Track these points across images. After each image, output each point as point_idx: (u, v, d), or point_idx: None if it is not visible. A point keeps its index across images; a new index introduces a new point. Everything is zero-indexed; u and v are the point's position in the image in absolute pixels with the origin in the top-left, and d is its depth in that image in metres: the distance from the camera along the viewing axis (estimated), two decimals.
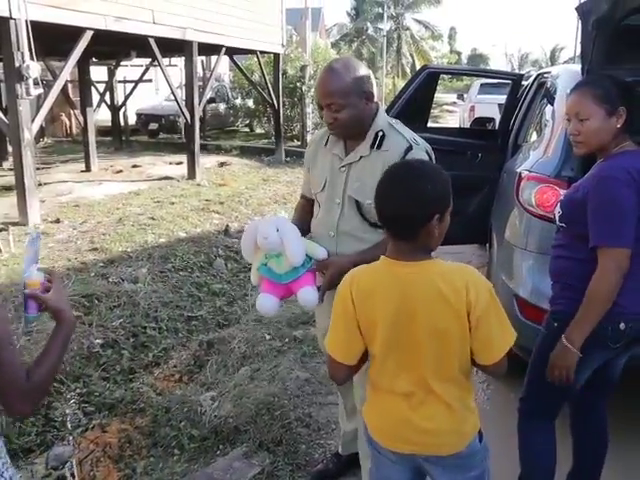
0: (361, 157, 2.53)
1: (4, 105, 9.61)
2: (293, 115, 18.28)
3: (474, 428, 1.95)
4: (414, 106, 5.46)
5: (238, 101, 21.34)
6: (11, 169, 9.72)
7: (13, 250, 7.18)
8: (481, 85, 17.74)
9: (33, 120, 8.40)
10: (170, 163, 14.16)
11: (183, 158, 12.84)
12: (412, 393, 1.88)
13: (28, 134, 8.23)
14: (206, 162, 13.54)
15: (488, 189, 5.09)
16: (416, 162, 1.97)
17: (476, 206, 5.22)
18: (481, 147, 5.55)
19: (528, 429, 2.75)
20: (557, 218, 2.59)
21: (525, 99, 5.67)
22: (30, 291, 1.76)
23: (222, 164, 14.08)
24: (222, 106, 21.51)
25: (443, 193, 1.83)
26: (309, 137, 17.14)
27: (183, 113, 12.06)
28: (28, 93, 8.11)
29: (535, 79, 5.64)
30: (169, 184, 11.67)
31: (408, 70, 44.03)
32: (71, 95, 14.48)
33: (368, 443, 2.05)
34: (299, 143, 17.25)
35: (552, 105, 4.19)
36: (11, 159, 9.82)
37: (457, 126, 16.85)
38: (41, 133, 17.07)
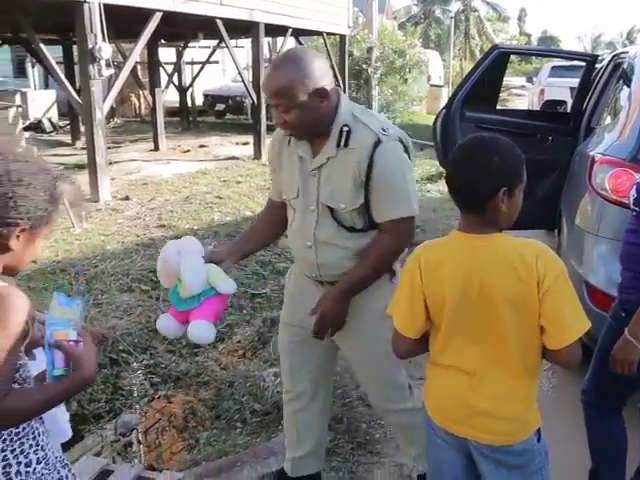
0: (329, 158, 2.27)
1: (77, 86, 9.87)
2: (359, 97, 18.15)
3: (534, 422, 1.89)
4: (483, 88, 5.36)
5: None
6: (84, 148, 10.00)
7: (85, 225, 7.42)
8: (552, 68, 17.24)
9: (104, 100, 8.61)
10: (236, 143, 14.32)
11: (249, 139, 12.95)
12: (475, 371, 1.85)
13: (100, 114, 8.44)
14: None
15: (558, 173, 4.97)
16: (489, 136, 1.90)
17: (545, 190, 5.10)
18: (552, 130, 5.41)
19: (596, 421, 2.66)
20: (631, 202, 2.50)
21: (600, 81, 5.49)
22: (56, 340, 1.57)
23: None
24: None
25: (512, 168, 1.80)
26: None
27: (250, 94, 12.15)
28: (100, 74, 8.32)
29: (611, 60, 5.46)
30: (235, 164, 11.80)
31: (477, 52, 43.11)
32: (140, 76, 14.79)
33: (426, 424, 2.03)
34: None
35: (629, 87, 4.06)
36: (84, 138, 10.10)
37: (526, 108, 16.45)
38: (111, 113, 17.47)
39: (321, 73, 2.17)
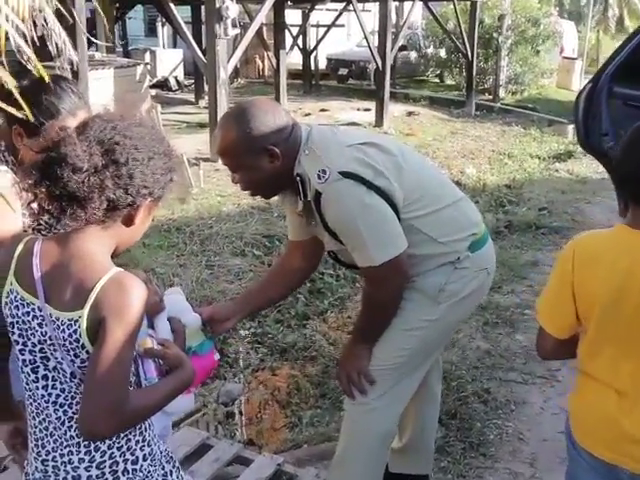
0: (302, 211, 2.09)
1: (204, 46, 9.94)
2: (486, 67, 17.41)
3: None
4: (633, 66, 4.82)
5: (430, 50, 20.74)
6: (206, 107, 10.08)
7: (202, 185, 7.47)
8: None
9: (229, 60, 8.62)
10: (358, 109, 14.07)
11: (371, 105, 12.69)
12: (627, 391, 1.58)
13: (223, 73, 8.44)
14: (394, 110, 13.31)
15: None
16: None
17: None
18: None
19: None
20: None
21: None
22: (145, 349, 1.49)
23: (410, 113, 13.77)
24: (413, 54, 21.01)
25: None
26: (501, 91, 16.30)
27: (374, 59, 11.87)
28: (226, 33, 8.31)
29: None
30: (356, 130, 11.59)
31: (612, 25, 40.43)
32: (265, 38, 14.77)
33: (567, 437, 1.77)
34: (491, 97, 16.47)
35: None
36: (207, 97, 10.17)
37: None
38: (235, 74, 17.64)
39: (268, 130, 1.95)
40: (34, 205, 1.33)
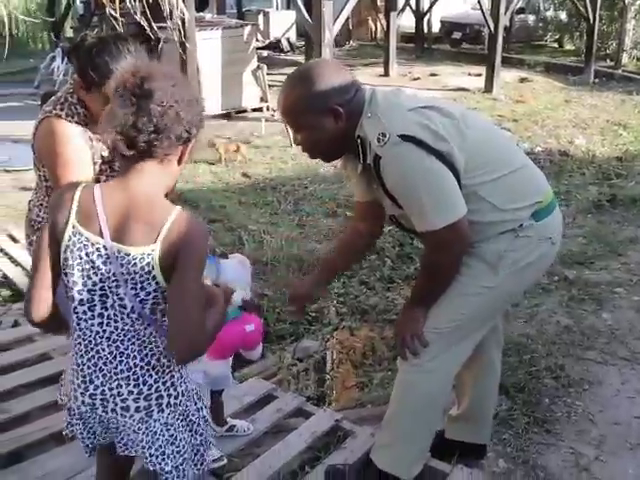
0: (362, 174, 2.09)
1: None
2: (610, 31, 16.38)
3: None
4: None
5: (550, 13, 19.76)
6: None
7: None
8: None
9: (335, 21, 8.57)
10: (469, 74, 13.70)
11: (483, 70, 12.32)
12: None
13: (329, 35, 8.41)
14: (506, 76, 12.86)
15: None
16: None
17: None
18: None
19: None
20: None
21: None
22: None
23: (523, 80, 13.26)
24: (531, 18, 20.11)
25: None
26: (624, 57, 15.35)
27: (487, 22, 11.48)
28: None
29: None
30: (464, 95, 11.35)
31: None
32: None
33: None
34: (612, 64, 15.53)
35: None
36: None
37: None
38: (348, 36, 17.55)
39: (333, 90, 1.95)
40: (107, 152, 1.52)
